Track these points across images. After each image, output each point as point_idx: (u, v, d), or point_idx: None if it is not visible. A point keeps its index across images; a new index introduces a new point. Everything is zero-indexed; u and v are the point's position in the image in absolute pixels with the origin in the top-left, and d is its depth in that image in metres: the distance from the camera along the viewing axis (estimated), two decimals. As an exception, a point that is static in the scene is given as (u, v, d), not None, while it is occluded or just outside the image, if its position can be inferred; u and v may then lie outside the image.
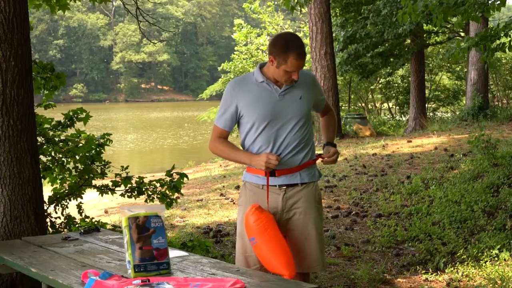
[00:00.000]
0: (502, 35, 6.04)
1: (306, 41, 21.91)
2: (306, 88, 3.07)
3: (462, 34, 16.98)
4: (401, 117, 22.70)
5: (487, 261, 4.49)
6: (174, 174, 4.95)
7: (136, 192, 4.92)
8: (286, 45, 2.90)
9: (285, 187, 3.03)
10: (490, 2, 5.53)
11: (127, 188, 4.89)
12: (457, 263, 4.56)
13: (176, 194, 5.00)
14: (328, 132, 3.29)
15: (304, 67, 3.06)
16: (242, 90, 3.01)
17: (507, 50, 6.13)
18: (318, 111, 3.28)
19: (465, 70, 19.30)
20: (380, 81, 22.66)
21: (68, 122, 4.75)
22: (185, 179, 5.03)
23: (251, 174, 3.08)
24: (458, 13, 5.72)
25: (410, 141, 12.06)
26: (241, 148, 3.12)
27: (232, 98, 3.01)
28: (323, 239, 3.17)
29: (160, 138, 25.84)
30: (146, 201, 4.96)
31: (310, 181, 3.07)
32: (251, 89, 3.00)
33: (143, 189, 4.93)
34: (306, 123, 3.06)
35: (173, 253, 2.78)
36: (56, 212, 4.79)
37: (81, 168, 4.78)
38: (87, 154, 4.78)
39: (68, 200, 4.82)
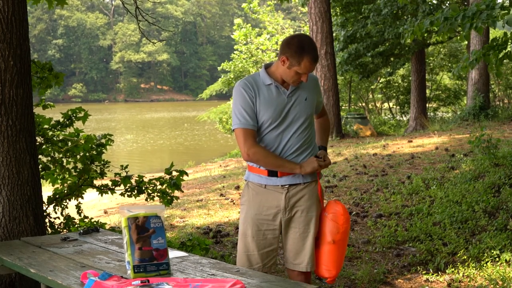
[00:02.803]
0: (510, 43, 6.04)
1: (306, 40, 21.65)
2: (311, 90, 3.10)
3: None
4: (402, 117, 22.71)
5: (488, 261, 4.48)
6: (173, 172, 4.94)
7: (136, 191, 4.91)
8: (301, 47, 2.91)
9: (287, 186, 3.05)
10: (495, 12, 5.50)
11: (127, 187, 4.88)
12: (458, 263, 4.54)
13: (176, 192, 4.98)
14: (322, 136, 3.30)
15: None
16: (255, 90, 3.00)
17: None
18: (315, 113, 3.27)
19: (466, 69, 19.25)
20: (380, 81, 22.67)
21: (67, 122, 4.73)
22: (185, 177, 5.02)
23: (254, 174, 3.10)
24: (464, 29, 5.71)
25: (411, 141, 12.05)
26: None
27: (249, 96, 2.98)
28: None
29: (159, 139, 25.82)
30: (146, 200, 4.95)
31: (312, 180, 3.10)
32: (262, 91, 3.01)
33: (143, 188, 4.92)
34: (310, 124, 3.08)
35: (173, 253, 2.77)
36: (56, 213, 4.77)
37: (81, 168, 4.77)
38: (87, 154, 4.76)
39: (67, 200, 4.81)
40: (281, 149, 3.02)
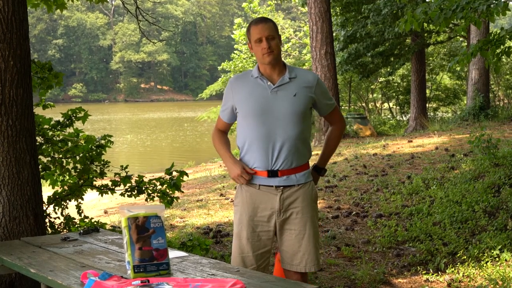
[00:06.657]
0: (507, 38, 6.00)
1: (307, 40, 21.83)
2: (304, 86, 3.05)
3: (462, 33, 16.96)
4: (402, 117, 22.70)
5: (488, 261, 4.48)
6: (173, 172, 4.93)
7: (136, 191, 4.90)
8: (249, 25, 3.12)
9: (282, 187, 3.04)
10: (492, 6, 5.48)
11: (127, 187, 4.87)
12: (458, 263, 4.54)
13: (176, 192, 4.97)
14: (324, 151, 3.27)
15: (304, 67, 3.07)
16: (238, 85, 3.10)
17: None
18: (322, 115, 3.23)
19: (466, 69, 19.29)
20: (380, 81, 22.65)
21: (67, 122, 4.73)
22: (185, 177, 5.01)
23: None
24: (457, 18, 5.68)
25: (411, 141, 12.05)
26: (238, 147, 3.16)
27: (230, 93, 3.12)
28: (319, 238, 3.20)
29: (159, 139, 25.79)
30: (146, 200, 4.94)
31: (306, 181, 3.08)
32: (246, 84, 3.07)
33: (143, 188, 4.91)
34: (302, 121, 3.03)
35: (173, 253, 2.77)
36: (56, 213, 4.77)
37: (81, 168, 4.76)
38: (86, 154, 4.76)
39: (68, 201, 4.80)
40: (272, 146, 2.99)
